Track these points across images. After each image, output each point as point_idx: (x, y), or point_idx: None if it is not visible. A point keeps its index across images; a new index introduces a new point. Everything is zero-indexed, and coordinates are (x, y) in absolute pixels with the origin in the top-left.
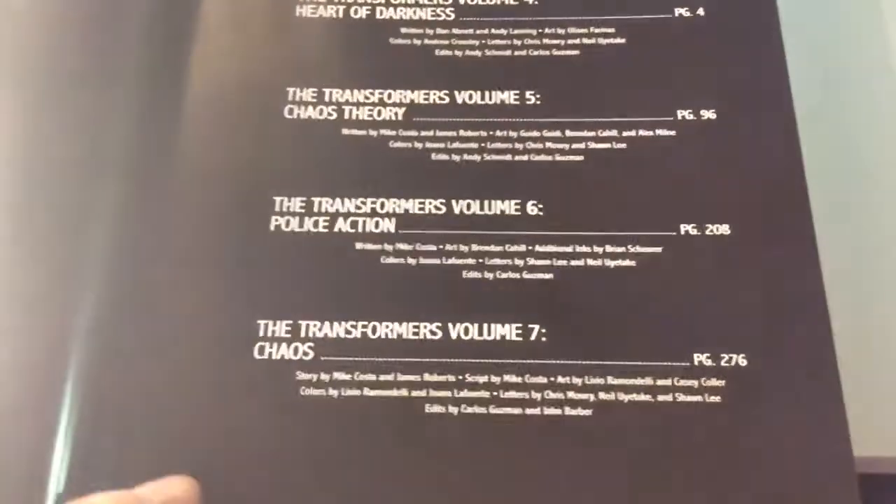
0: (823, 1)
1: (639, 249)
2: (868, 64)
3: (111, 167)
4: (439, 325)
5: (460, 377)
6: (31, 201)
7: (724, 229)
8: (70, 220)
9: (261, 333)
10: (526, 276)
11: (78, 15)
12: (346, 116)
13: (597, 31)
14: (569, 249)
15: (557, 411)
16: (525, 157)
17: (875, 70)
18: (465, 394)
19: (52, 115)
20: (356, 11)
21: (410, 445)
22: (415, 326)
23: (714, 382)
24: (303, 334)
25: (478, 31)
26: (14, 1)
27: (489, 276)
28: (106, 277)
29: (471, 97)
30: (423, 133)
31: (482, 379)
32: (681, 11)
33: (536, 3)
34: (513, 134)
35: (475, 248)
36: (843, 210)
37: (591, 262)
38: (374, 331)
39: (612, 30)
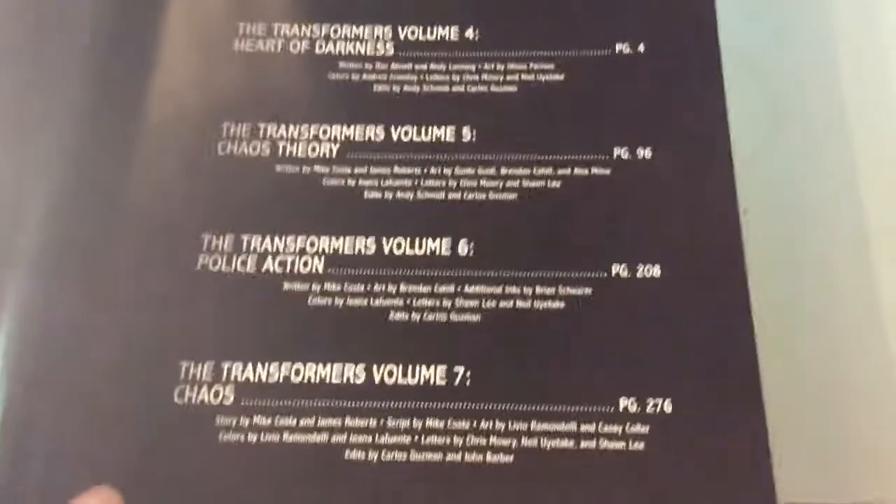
0: (773, 35)
1: (569, 291)
2: (818, 105)
3: (39, 202)
4: (364, 367)
5: (382, 421)
6: None
7: (656, 271)
8: None
9: (181, 376)
10: (454, 317)
11: (9, 41)
12: (281, 153)
13: (536, 66)
14: (498, 290)
15: (479, 457)
16: (458, 196)
17: (825, 112)
18: (385, 439)
19: None
20: (295, 46)
21: (329, 493)
22: (339, 369)
23: (638, 429)
24: (224, 377)
25: (417, 67)
26: None
27: (416, 317)
28: (27, 314)
29: (407, 133)
30: (357, 170)
31: (404, 423)
32: (622, 48)
33: (477, 38)
34: (447, 171)
35: (403, 288)
36: (779, 254)
37: (520, 303)
38: (297, 373)
39: (551, 66)
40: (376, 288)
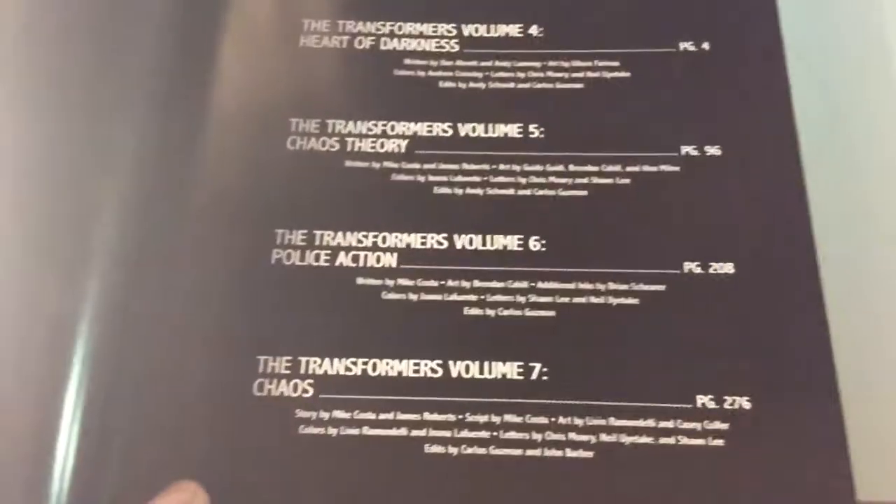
0: (830, 36)
1: (642, 287)
2: (874, 98)
3: (114, 199)
4: (440, 363)
5: (460, 416)
6: (33, 236)
7: (729, 268)
8: (73, 251)
9: (260, 370)
10: (528, 313)
11: (82, 41)
12: (349, 148)
13: (601, 64)
14: (571, 286)
15: (559, 453)
16: (528, 192)
17: (882, 104)
18: (465, 434)
19: (58, 143)
20: (360, 42)
21: (409, 486)
22: (415, 364)
23: (717, 425)
24: (302, 371)
25: (482, 64)
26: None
27: (490, 312)
28: (106, 308)
29: (474, 130)
30: (426, 166)
31: (482, 419)
32: (685, 46)
33: (541, 35)
34: (516, 168)
35: (477, 284)
36: (847, 247)
37: (593, 299)
38: (374, 368)
39: (616, 63)
40: (450, 283)
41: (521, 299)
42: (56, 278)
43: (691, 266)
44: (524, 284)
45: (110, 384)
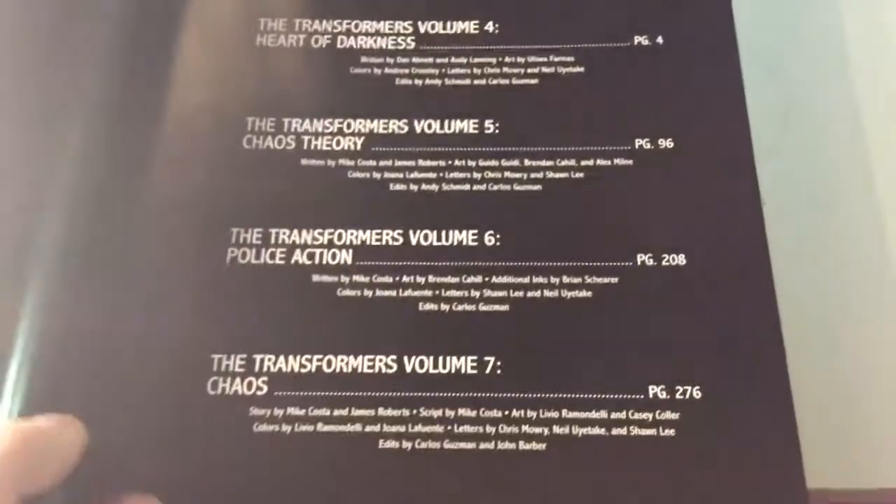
0: (783, 29)
1: (595, 280)
2: (828, 91)
3: (67, 197)
4: (395, 358)
5: (415, 411)
6: None
7: (681, 259)
8: (22, 251)
9: (214, 368)
10: (482, 307)
11: (35, 39)
12: (306, 146)
13: (556, 59)
14: (525, 280)
15: (512, 446)
16: (483, 187)
17: (835, 97)
18: (419, 428)
19: (9, 142)
20: (317, 41)
21: (364, 482)
22: (370, 360)
23: (668, 415)
24: (257, 369)
25: (438, 60)
26: None
27: (445, 308)
28: (56, 309)
29: (430, 126)
30: (382, 163)
31: (437, 413)
32: (640, 40)
33: (497, 31)
34: (471, 163)
35: (432, 279)
36: (800, 239)
37: (547, 293)
38: (329, 364)
39: (571, 58)
40: (405, 279)
41: (476, 294)
42: (3, 279)
43: (644, 258)
44: (479, 279)
45: (58, 385)
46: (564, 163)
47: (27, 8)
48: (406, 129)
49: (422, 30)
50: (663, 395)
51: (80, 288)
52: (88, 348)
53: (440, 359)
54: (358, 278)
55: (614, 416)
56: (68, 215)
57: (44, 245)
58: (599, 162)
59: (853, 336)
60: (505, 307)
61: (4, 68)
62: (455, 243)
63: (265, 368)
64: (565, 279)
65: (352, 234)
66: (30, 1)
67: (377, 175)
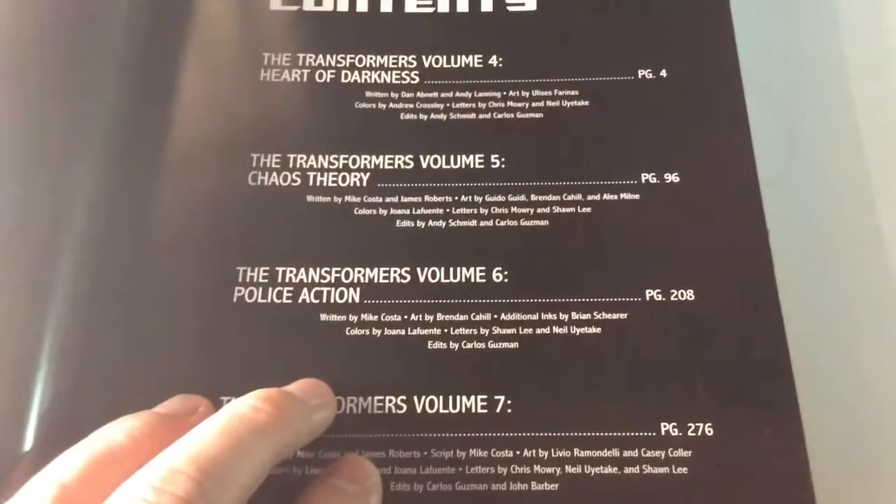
0: (788, 62)
1: (604, 315)
2: (832, 124)
3: (74, 235)
4: (404, 398)
5: (425, 453)
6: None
7: (689, 294)
8: (31, 289)
9: None
10: (491, 345)
11: (42, 76)
12: (311, 183)
13: (560, 93)
14: (535, 317)
15: (524, 486)
16: (490, 223)
17: (839, 130)
18: (430, 470)
19: (17, 180)
20: (321, 76)
21: None
22: (380, 400)
23: (681, 453)
24: None
25: (442, 95)
26: None
27: (454, 346)
28: (68, 349)
29: (436, 161)
30: (388, 199)
31: (447, 454)
32: (644, 73)
33: (501, 65)
34: (478, 199)
35: (440, 317)
36: (806, 271)
37: (556, 329)
38: (338, 405)
39: (575, 92)
40: (413, 317)
41: (485, 332)
42: (14, 318)
43: (652, 293)
44: (487, 317)
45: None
46: (571, 197)
47: (33, 44)
48: (412, 164)
49: (426, 64)
50: (675, 433)
51: (87, 328)
52: (94, 396)
53: (450, 398)
54: (366, 317)
55: (626, 454)
56: (74, 255)
57: (51, 285)
58: (606, 196)
59: (863, 365)
60: (514, 344)
61: (9, 105)
62: (463, 280)
63: None
64: (574, 315)
65: (359, 271)
66: (35, 38)
67: (384, 212)
